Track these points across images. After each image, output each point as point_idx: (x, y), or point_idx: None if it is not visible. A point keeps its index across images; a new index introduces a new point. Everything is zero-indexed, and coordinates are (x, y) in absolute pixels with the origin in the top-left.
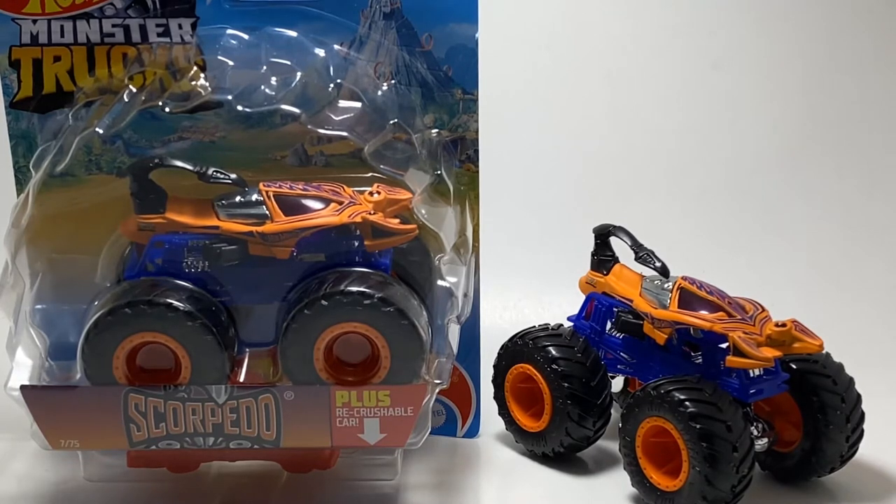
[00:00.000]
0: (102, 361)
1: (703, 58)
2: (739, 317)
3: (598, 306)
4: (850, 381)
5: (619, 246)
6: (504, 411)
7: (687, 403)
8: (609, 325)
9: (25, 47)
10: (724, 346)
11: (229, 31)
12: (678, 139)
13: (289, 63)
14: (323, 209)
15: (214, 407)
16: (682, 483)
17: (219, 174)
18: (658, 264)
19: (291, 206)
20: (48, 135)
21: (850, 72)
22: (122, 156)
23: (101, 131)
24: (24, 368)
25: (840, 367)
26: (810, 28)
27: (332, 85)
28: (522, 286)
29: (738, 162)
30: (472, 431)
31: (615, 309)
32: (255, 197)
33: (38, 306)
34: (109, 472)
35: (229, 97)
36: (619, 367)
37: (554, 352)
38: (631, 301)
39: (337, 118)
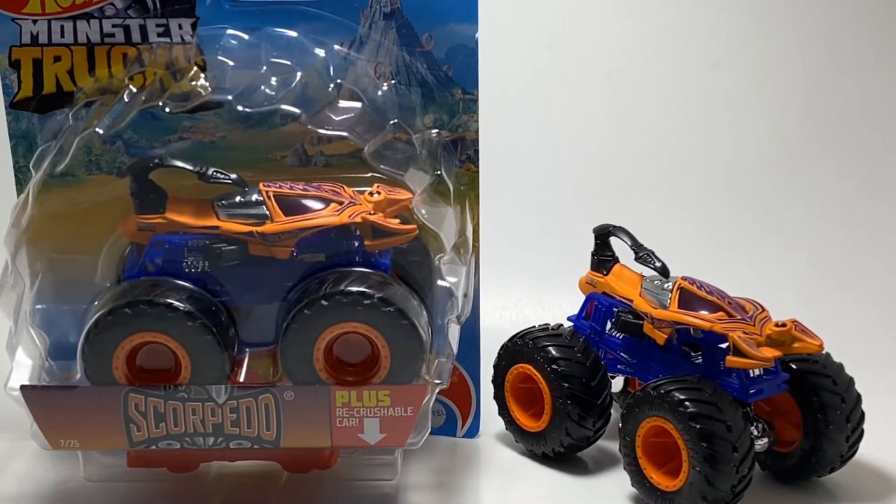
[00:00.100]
0: (102, 361)
1: (703, 58)
2: (739, 317)
3: (598, 306)
4: (850, 381)
5: (619, 246)
6: (504, 411)
7: (687, 403)
8: (609, 325)
9: (25, 47)
10: (724, 346)
11: (229, 32)
12: (678, 139)
13: (289, 63)
14: (323, 209)
15: (214, 407)
16: (682, 483)
17: (219, 174)
18: (658, 264)
19: (291, 207)
20: (48, 135)
21: (850, 72)
22: (122, 156)
23: (101, 131)
24: (24, 368)
25: (840, 367)
26: (810, 28)
27: (332, 85)
28: (522, 286)
29: (738, 162)
30: (472, 431)
31: (615, 309)
32: (255, 197)
33: (38, 306)
34: (109, 472)
35: (229, 97)
36: (619, 367)
37: (554, 352)
38: (631, 301)
39: (337, 118)
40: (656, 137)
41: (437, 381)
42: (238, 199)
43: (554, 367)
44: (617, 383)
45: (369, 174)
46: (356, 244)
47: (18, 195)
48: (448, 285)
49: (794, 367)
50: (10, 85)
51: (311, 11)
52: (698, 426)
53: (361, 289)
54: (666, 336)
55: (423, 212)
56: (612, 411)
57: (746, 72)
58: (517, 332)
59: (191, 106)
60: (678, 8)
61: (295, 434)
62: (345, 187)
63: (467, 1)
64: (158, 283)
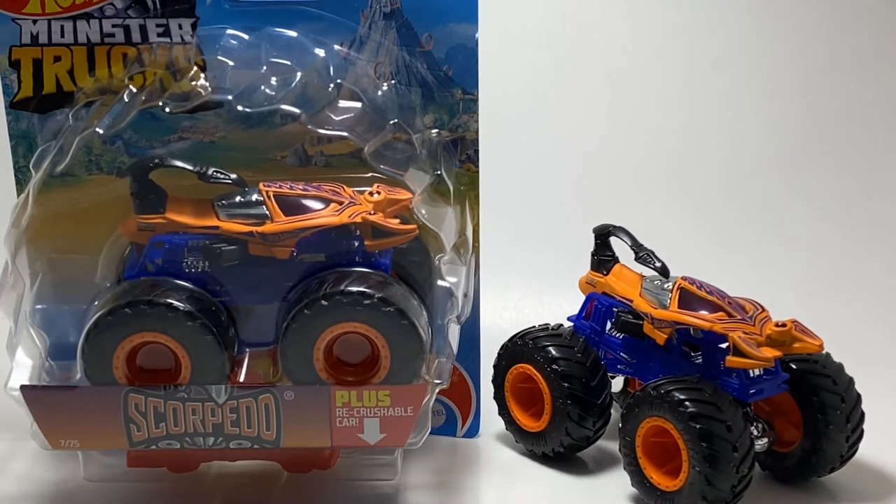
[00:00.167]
0: (102, 361)
1: (703, 58)
2: (739, 317)
3: (598, 306)
4: (850, 381)
5: (619, 246)
6: (504, 411)
7: (687, 403)
8: (609, 325)
9: (25, 47)
10: (724, 346)
11: (229, 31)
12: (678, 139)
13: (289, 63)
14: (323, 209)
15: (214, 407)
16: (682, 483)
17: (219, 174)
18: (658, 264)
19: (291, 207)
20: (48, 135)
21: (850, 72)
22: (122, 156)
23: (101, 131)
24: (24, 368)
25: (840, 367)
26: (810, 28)
27: (332, 85)
28: (522, 286)
29: (738, 162)
30: (472, 431)
31: (615, 309)
32: (255, 197)
33: (38, 306)
34: (109, 472)
35: (229, 97)
36: (619, 367)
37: (554, 352)
38: (631, 301)
39: (337, 118)
40: (656, 137)
41: (437, 381)
42: (238, 199)
43: (554, 367)
44: (617, 383)
45: (369, 174)
46: (356, 244)
47: (18, 195)
48: (448, 285)
49: (794, 367)
50: (10, 85)
51: (311, 11)
52: (698, 426)
53: (361, 289)
54: (666, 336)
55: (423, 212)
56: (612, 411)
57: (746, 72)
58: (517, 332)
59: (191, 106)
60: (678, 8)
61: (295, 434)
62: (345, 187)
63: (467, 1)
64: (158, 283)
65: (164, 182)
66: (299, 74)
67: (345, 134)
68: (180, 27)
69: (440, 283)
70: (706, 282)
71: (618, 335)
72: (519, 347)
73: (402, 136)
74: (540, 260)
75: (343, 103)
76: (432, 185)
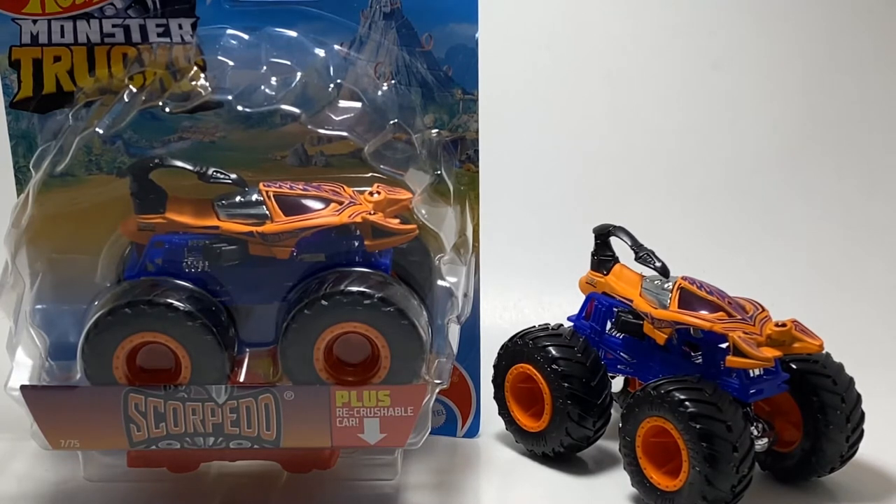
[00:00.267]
0: (102, 361)
1: (703, 58)
2: (739, 317)
3: (598, 306)
4: (850, 381)
5: (619, 246)
6: (504, 411)
7: (687, 403)
8: (609, 325)
9: (25, 47)
10: (724, 346)
11: (229, 31)
12: (678, 139)
13: (289, 63)
14: (323, 209)
15: (214, 407)
16: (682, 483)
17: (219, 174)
18: (658, 264)
19: (291, 206)
20: (48, 135)
21: (850, 72)
22: (122, 156)
23: (101, 131)
24: (24, 368)
25: (840, 367)
26: (810, 28)
27: (332, 85)
28: (522, 286)
29: (738, 162)
30: (472, 431)
31: (615, 309)
32: (255, 197)
33: (38, 306)
34: (109, 472)
35: (229, 97)
36: (619, 367)
37: (554, 352)
38: (631, 301)
39: (337, 118)
40: (656, 137)
41: (437, 381)
42: (238, 199)
43: (554, 367)
44: (617, 383)
45: (369, 174)
46: (356, 244)
47: (18, 195)
48: (448, 285)
49: (794, 367)
50: (10, 85)
51: (311, 11)
52: (698, 426)
53: (361, 289)
54: (666, 336)
55: (423, 212)
56: (612, 411)
57: (746, 72)
58: (517, 332)
59: (191, 106)
60: (678, 8)
61: (295, 434)
62: (345, 187)
63: (467, 1)
64: (158, 283)
65: (164, 182)
66: (299, 74)
67: (345, 134)
68: (180, 27)
69: (440, 283)
70: (706, 282)
71: (618, 335)
72: (519, 347)
73: (402, 136)
74: (540, 260)
75: (343, 103)
76: (432, 185)
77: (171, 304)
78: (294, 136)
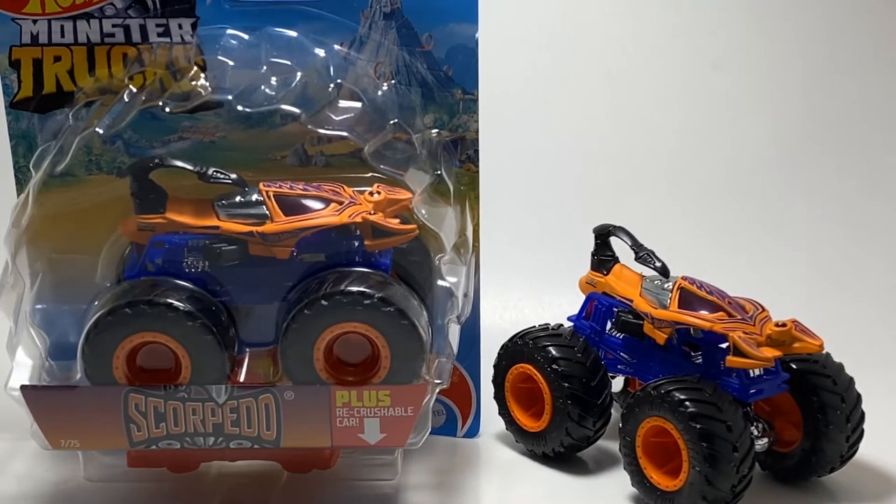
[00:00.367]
0: (102, 361)
1: (703, 58)
2: (739, 317)
3: (598, 306)
4: (850, 381)
5: (619, 246)
6: (504, 411)
7: (687, 403)
8: (609, 325)
9: (25, 47)
10: (724, 346)
11: (229, 31)
12: (678, 139)
13: (289, 63)
14: (323, 209)
15: (214, 407)
16: (682, 483)
17: (219, 174)
18: (658, 264)
19: (291, 206)
20: (48, 135)
21: (850, 72)
22: (122, 156)
23: (101, 131)
24: (24, 368)
25: (840, 367)
26: (810, 28)
27: (332, 85)
28: (522, 286)
29: (738, 162)
30: (472, 431)
31: (615, 309)
32: (255, 197)
33: (38, 306)
34: (109, 472)
35: (229, 97)
36: (619, 367)
37: (554, 352)
38: (631, 301)
39: (337, 118)
40: (656, 137)
41: (437, 381)
42: (238, 199)
43: (554, 367)
44: (617, 383)
45: (369, 174)
46: (356, 244)
47: (18, 195)
48: (448, 285)
49: (794, 367)
50: (10, 85)
51: (311, 11)
52: (698, 426)
53: (361, 289)
54: (666, 336)
55: (423, 212)
56: (612, 411)
57: (746, 72)
58: (517, 332)
59: (191, 106)
60: (678, 8)
61: (295, 434)
62: (345, 187)
63: (467, 1)
64: (158, 283)
65: (164, 182)
66: (299, 74)
67: (345, 134)
68: (180, 27)
69: (440, 283)
70: (706, 282)
71: (618, 335)
72: (519, 347)
73: (402, 136)
74: (540, 260)
75: (343, 103)
76: (432, 185)
77: (171, 304)
78: (294, 136)
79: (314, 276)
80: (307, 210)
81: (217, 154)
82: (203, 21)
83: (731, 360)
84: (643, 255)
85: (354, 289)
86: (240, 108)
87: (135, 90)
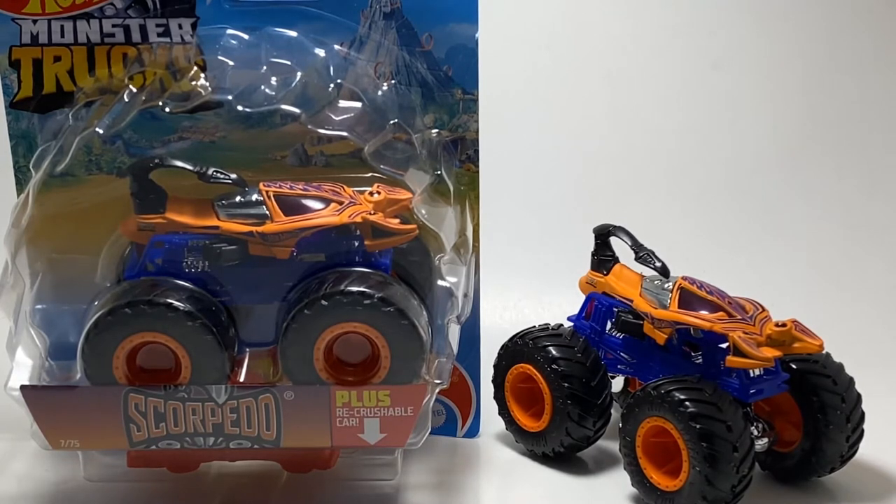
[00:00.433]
0: (102, 361)
1: (703, 58)
2: (739, 317)
3: (598, 306)
4: (850, 381)
5: (619, 246)
6: (504, 411)
7: (687, 403)
8: (609, 325)
9: (25, 47)
10: (724, 346)
11: (229, 31)
12: (678, 139)
13: (289, 63)
14: (323, 209)
15: (214, 407)
16: (682, 483)
17: (219, 174)
18: (658, 264)
19: (291, 206)
20: (48, 135)
21: (850, 72)
22: (122, 156)
23: (101, 131)
24: (24, 368)
25: (840, 367)
26: (810, 28)
27: (332, 85)
28: (522, 286)
29: (738, 162)
30: (472, 431)
31: (615, 309)
32: (255, 197)
33: (38, 306)
34: (109, 472)
35: (229, 97)
36: (619, 367)
37: (554, 352)
38: (631, 301)
39: (337, 118)
40: (656, 137)
41: (437, 381)
42: (238, 199)
43: (554, 367)
44: (617, 383)
45: (369, 174)
46: (356, 244)
47: (18, 195)
48: (448, 285)
49: (794, 367)
50: (10, 85)
51: (311, 11)
52: (698, 426)
53: (361, 289)
54: (666, 336)
55: (423, 212)
56: (612, 411)
57: (746, 72)
58: (517, 332)
59: (191, 106)
60: (678, 8)
61: (295, 434)
62: (345, 187)
63: (467, 1)
64: (158, 283)
65: (164, 182)
66: (299, 74)
67: (345, 134)
68: (180, 27)
69: (440, 283)
70: (706, 282)
71: (618, 335)
72: (519, 347)
73: (402, 136)
74: (540, 260)
75: (343, 103)
76: (432, 185)
77: (171, 304)
78: (294, 136)
79: (314, 276)
80: (307, 210)
81: (217, 154)
82: (203, 21)
83: (731, 360)
84: (643, 255)
85: (354, 289)
86: (240, 108)
87: (135, 90)
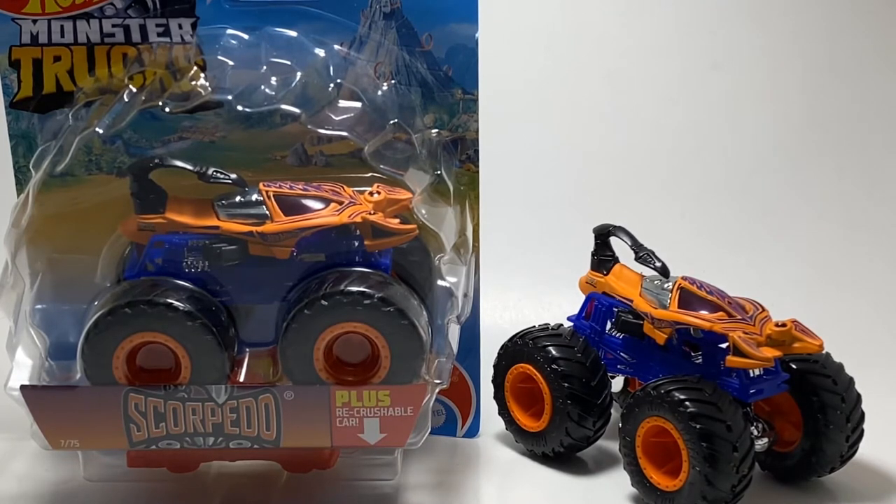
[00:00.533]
0: (102, 361)
1: (703, 58)
2: (739, 317)
3: (598, 306)
4: (850, 381)
5: (619, 246)
6: (504, 411)
7: (687, 403)
8: (609, 325)
9: (25, 47)
10: (724, 346)
11: (229, 31)
12: (678, 139)
13: (289, 63)
14: (323, 209)
15: (214, 407)
16: (682, 483)
17: (219, 174)
18: (658, 264)
19: (291, 206)
20: (48, 135)
21: (850, 72)
22: (122, 156)
23: (101, 131)
24: (24, 368)
25: (840, 367)
26: (810, 28)
27: (332, 85)
28: (522, 286)
29: (738, 162)
30: (472, 431)
31: (615, 309)
32: (255, 197)
33: (38, 306)
34: (109, 472)
35: (229, 97)
36: (619, 367)
37: (554, 352)
38: (631, 301)
39: (337, 118)
40: (656, 137)
41: (437, 381)
42: (238, 199)
43: (554, 366)
44: (617, 383)
45: (369, 174)
46: (356, 244)
47: (18, 195)
48: (448, 285)
49: (794, 367)
50: (10, 85)
51: (311, 11)
52: (698, 426)
53: (361, 289)
54: (666, 336)
55: (423, 212)
56: (612, 411)
57: (746, 72)
58: (517, 332)
59: (191, 106)
60: (678, 8)
61: (295, 434)
62: (345, 187)
63: (467, 1)
64: (158, 283)
65: (164, 182)
66: (299, 74)
67: (345, 134)
68: (180, 27)
69: (440, 283)
70: (706, 282)
71: (618, 335)
72: (519, 347)
73: (402, 136)
74: (540, 260)
75: (343, 103)
76: (432, 185)
77: (171, 304)
78: (294, 136)
79: (314, 276)
80: (307, 210)
81: (217, 154)
82: (203, 21)
83: (731, 360)
84: (643, 255)
85: (354, 289)
86: (240, 108)
87: (135, 90)
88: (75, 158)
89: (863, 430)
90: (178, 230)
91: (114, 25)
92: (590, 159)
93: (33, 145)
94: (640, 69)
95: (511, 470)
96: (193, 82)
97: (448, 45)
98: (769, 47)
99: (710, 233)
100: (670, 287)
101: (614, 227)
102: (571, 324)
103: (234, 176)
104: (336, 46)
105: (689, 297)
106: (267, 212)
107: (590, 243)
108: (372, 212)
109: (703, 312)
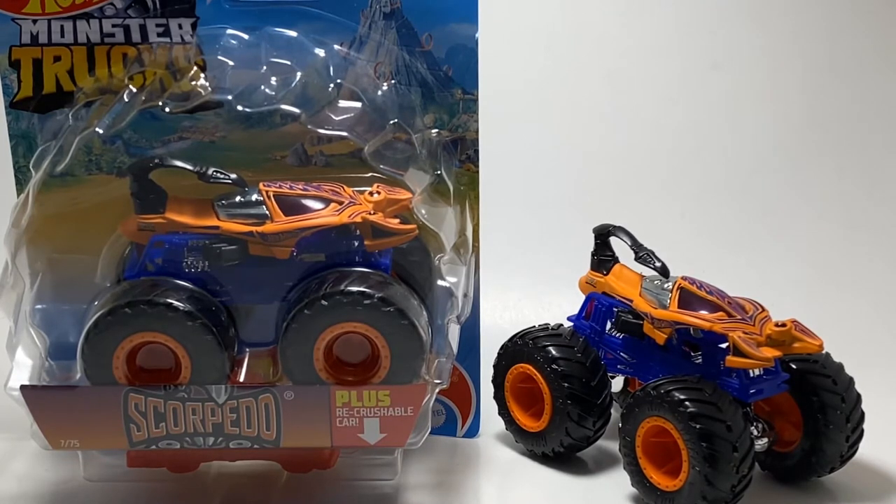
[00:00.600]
0: (102, 361)
1: (703, 58)
2: (739, 317)
3: (598, 306)
4: (850, 381)
5: (619, 246)
6: (504, 411)
7: (687, 403)
8: (609, 325)
9: (25, 47)
10: (724, 346)
11: (229, 31)
12: (678, 139)
13: (289, 63)
14: (323, 209)
15: (214, 407)
16: (682, 483)
17: (219, 174)
18: (658, 264)
19: (291, 206)
20: (48, 135)
21: (850, 72)
22: (122, 156)
23: (101, 131)
24: (24, 368)
25: (840, 367)
26: (810, 28)
27: (332, 85)
28: (522, 286)
29: (738, 162)
30: (472, 431)
31: (615, 309)
32: (255, 197)
33: (38, 306)
34: (109, 472)
35: (229, 97)
36: (619, 367)
37: (554, 352)
38: (631, 301)
39: (337, 118)
40: (656, 137)
41: (437, 381)
42: (238, 199)
43: (554, 366)
44: (617, 383)
45: (369, 174)
46: (356, 244)
47: (18, 195)
48: (448, 285)
49: (794, 367)
50: (10, 85)
51: (311, 11)
52: (698, 426)
53: (361, 289)
54: (666, 336)
55: (423, 212)
56: (612, 411)
57: (746, 72)
58: (517, 332)
59: (191, 106)
60: (678, 8)
61: (295, 434)
62: (345, 187)
63: (467, 1)
64: (158, 283)
65: (164, 182)
66: (299, 74)
67: (345, 134)
68: (180, 27)
69: (440, 283)
70: (706, 282)
71: (618, 335)
72: (519, 347)
73: (402, 136)
74: (540, 260)
75: (343, 103)
76: (432, 185)
77: (171, 304)
78: (294, 136)
79: (314, 276)
80: (307, 210)
81: (217, 154)
82: (203, 21)
83: (731, 360)
84: (643, 255)
85: (354, 289)
86: (240, 108)
87: (135, 90)
88: (75, 158)
89: (863, 430)
90: (178, 230)
91: (114, 25)
92: (590, 159)
93: (33, 145)
94: (640, 69)
95: (511, 470)
96: (193, 82)
97: (448, 45)
98: (769, 47)
99: (710, 233)
100: (670, 287)
101: (614, 227)
102: (571, 324)
103: (234, 176)
104: (336, 46)
105: (689, 297)
106: (267, 212)
107: (590, 243)
108: (372, 212)
109: (703, 312)
